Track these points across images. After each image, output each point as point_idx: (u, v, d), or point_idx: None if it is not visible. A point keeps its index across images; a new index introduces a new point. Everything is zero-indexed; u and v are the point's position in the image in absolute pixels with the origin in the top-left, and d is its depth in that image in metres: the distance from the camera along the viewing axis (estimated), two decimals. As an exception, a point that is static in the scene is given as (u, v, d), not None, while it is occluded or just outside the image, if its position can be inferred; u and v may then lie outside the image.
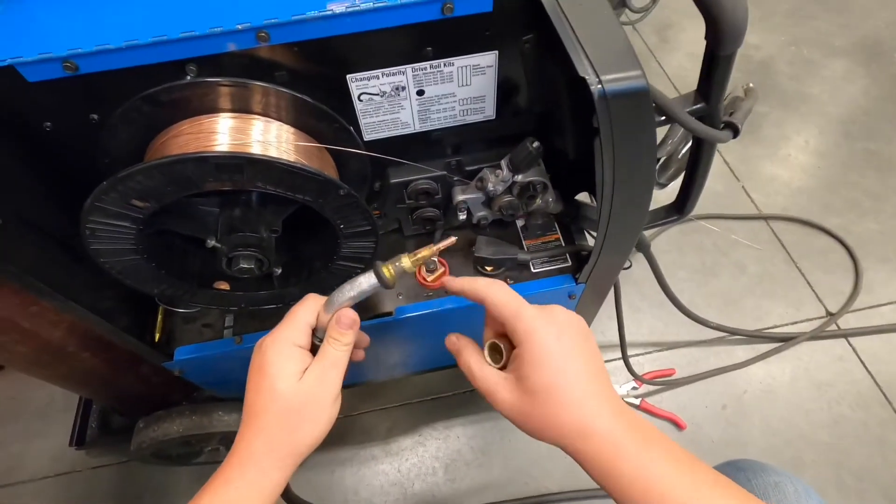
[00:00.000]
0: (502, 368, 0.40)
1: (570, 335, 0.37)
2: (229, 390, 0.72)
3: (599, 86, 0.36)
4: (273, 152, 0.47)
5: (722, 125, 0.43)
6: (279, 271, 0.54)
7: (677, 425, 0.90)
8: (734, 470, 0.50)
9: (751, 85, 0.50)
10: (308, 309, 0.42)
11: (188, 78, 0.43)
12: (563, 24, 0.40)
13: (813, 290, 1.06)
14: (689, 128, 0.40)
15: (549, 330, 0.37)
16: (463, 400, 0.95)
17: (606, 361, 0.98)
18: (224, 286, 0.56)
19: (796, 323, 1.02)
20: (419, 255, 0.43)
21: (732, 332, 0.99)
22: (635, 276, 1.05)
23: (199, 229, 0.48)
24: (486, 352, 0.41)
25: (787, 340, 0.98)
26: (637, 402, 0.93)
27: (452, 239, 0.43)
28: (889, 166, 1.23)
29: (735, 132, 0.42)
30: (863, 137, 1.28)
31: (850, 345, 0.99)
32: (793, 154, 1.27)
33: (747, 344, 1.00)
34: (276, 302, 0.58)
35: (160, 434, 0.68)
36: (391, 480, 0.87)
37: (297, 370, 0.40)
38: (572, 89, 0.41)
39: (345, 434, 0.91)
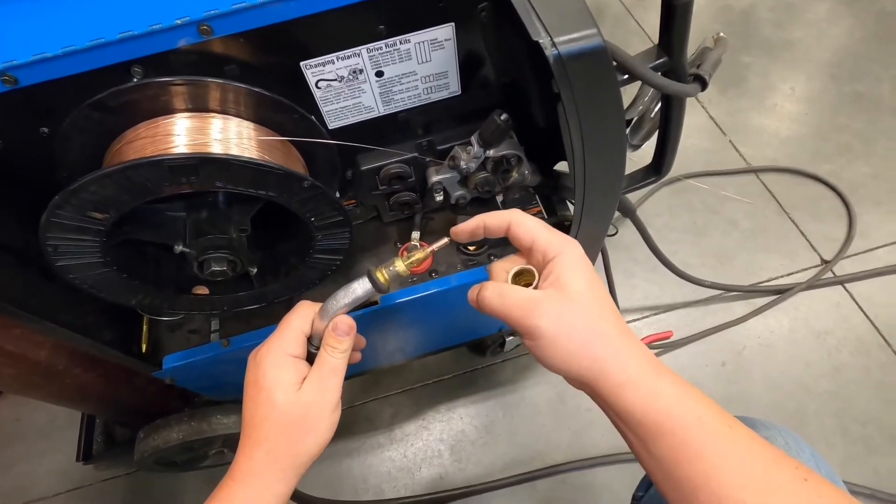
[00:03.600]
0: None
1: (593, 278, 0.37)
2: (225, 393, 0.72)
3: (554, 49, 0.35)
4: (234, 150, 0.45)
5: (690, 78, 0.41)
6: (255, 270, 0.53)
7: (679, 386, 0.90)
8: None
9: (721, 34, 0.48)
10: (302, 317, 0.42)
11: (134, 80, 0.42)
12: (514, -13, 0.38)
13: (807, 240, 1.05)
14: (653, 84, 0.39)
15: (577, 248, 0.37)
16: (464, 380, 0.95)
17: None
18: (203, 290, 0.55)
19: (792, 274, 1.01)
20: (413, 258, 0.42)
21: (728, 289, 0.99)
22: (626, 242, 1.04)
23: (166, 235, 0.47)
24: (511, 276, 0.39)
25: (784, 292, 0.98)
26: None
27: (446, 240, 0.42)
28: (878, 107, 1.20)
29: (703, 84, 0.41)
30: (850, 79, 1.26)
31: (847, 291, 0.99)
32: (779, 103, 1.25)
33: (743, 300, 0.99)
34: (258, 302, 0.57)
35: (161, 442, 0.68)
36: (398, 466, 0.88)
37: (295, 380, 0.39)
38: (531, 55, 0.39)
39: (349, 425, 0.92)
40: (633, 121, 0.54)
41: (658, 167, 0.53)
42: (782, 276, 1.01)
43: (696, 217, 1.10)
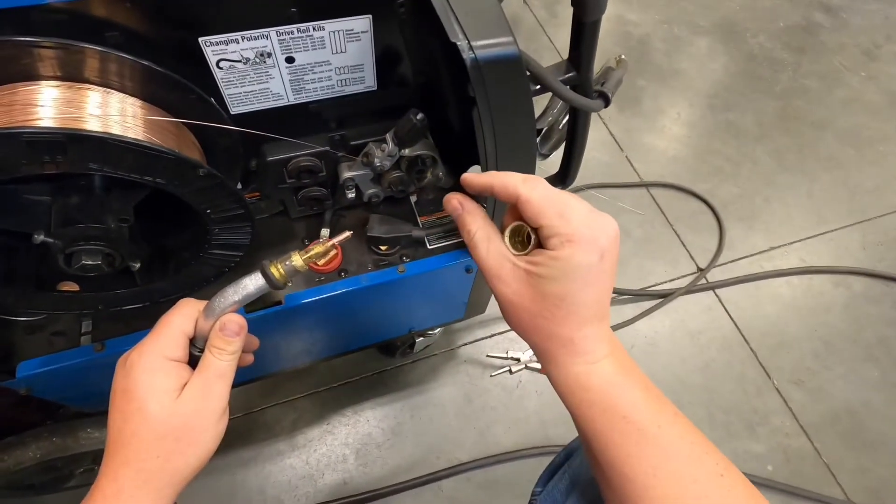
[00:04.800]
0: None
1: (611, 257, 0.34)
2: (98, 404, 0.63)
3: (471, 52, 0.35)
4: (116, 129, 0.40)
5: (595, 94, 0.44)
6: (138, 266, 0.47)
7: (576, 383, 0.96)
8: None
9: (622, 56, 0.52)
10: (184, 316, 0.37)
11: (-13, 36, 0.35)
12: (434, -13, 0.38)
13: (686, 249, 1.18)
14: (562, 96, 0.41)
15: (596, 246, 0.33)
16: (372, 382, 0.93)
17: (507, 331, 1.02)
18: (72, 287, 0.48)
19: (673, 280, 1.13)
20: (312, 253, 0.39)
21: (620, 292, 1.07)
22: (533, 246, 1.09)
23: (23, 222, 0.40)
24: (506, 233, 0.37)
25: (666, 296, 1.08)
26: (538, 365, 0.97)
27: (348, 233, 0.40)
28: (744, 135, 1.38)
29: (606, 101, 0.44)
30: (723, 109, 1.43)
31: (717, 295, 1.12)
32: (667, 125, 1.38)
33: (633, 302, 1.08)
34: (140, 300, 0.51)
35: (11, 464, 0.58)
36: (300, 474, 0.84)
37: (173, 387, 0.35)
38: (448, 57, 0.39)
39: (245, 433, 0.86)
40: (543, 131, 0.56)
41: (564, 176, 0.56)
42: (666, 282, 1.12)
43: (595, 225, 1.18)
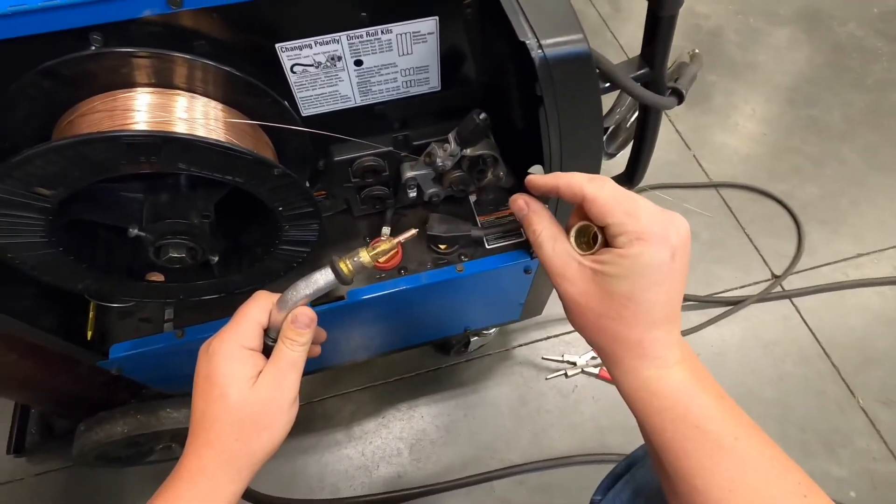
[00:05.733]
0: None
1: (683, 256, 0.33)
2: (177, 386, 0.68)
3: (540, 50, 0.34)
4: (201, 131, 0.43)
5: (668, 91, 0.42)
6: (216, 259, 0.50)
7: (635, 391, 0.93)
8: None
9: (696, 51, 0.49)
10: (259, 308, 0.39)
11: (93, 48, 0.39)
12: (503, -14, 0.38)
13: (760, 254, 1.10)
14: (634, 94, 0.39)
15: (670, 242, 0.33)
16: (426, 379, 0.94)
17: (564, 334, 0.99)
18: (158, 277, 0.52)
19: (745, 286, 1.06)
20: (379, 249, 0.40)
21: (686, 298, 1.02)
22: (592, 248, 1.06)
23: (120, 218, 0.44)
24: (572, 232, 0.36)
25: (737, 304, 1.02)
26: (596, 370, 0.95)
27: (414, 231, 0.41)
28: (828, 132, 1.27)
29: (680, 98, 0.42)
30: (805, 104, 1.33)
31: (794, 305, 1.04)
32: (741, 122, 1.30)
33: (700, 309, 1.03)
34: (217, 291, 0.55)
35: (103, 437, 0.64)
36: (356, 465, 0.86)
37: (250, 375, 0.37)
38: (515, 56, 0.39)
39: (306, 421, 0.90)
40: (610, 129, 0.54)
41: (631, 176, 0.54)
42: (736, 289, 1.06)
43: (659, 227, 1.13)
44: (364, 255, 0.39)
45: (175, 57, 0.41)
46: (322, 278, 0.39)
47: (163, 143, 0.37)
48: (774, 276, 1.07)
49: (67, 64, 0.38)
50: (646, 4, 0.36)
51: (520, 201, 0.39)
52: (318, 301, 0.57)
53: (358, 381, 0.93)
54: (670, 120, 1.29)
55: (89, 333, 0.57)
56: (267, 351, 0.39)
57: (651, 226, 0.33)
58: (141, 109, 0.43)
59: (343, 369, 0.93)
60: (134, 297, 0.51)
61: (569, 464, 0.86)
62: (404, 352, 0.87)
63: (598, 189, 0.34)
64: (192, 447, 0.36)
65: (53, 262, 0.44)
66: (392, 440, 0.88)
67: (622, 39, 1.43)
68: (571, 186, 0.35)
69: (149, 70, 0.42)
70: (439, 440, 0.89)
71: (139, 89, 0.43)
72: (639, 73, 0.39)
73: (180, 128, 0.42)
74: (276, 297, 0.40)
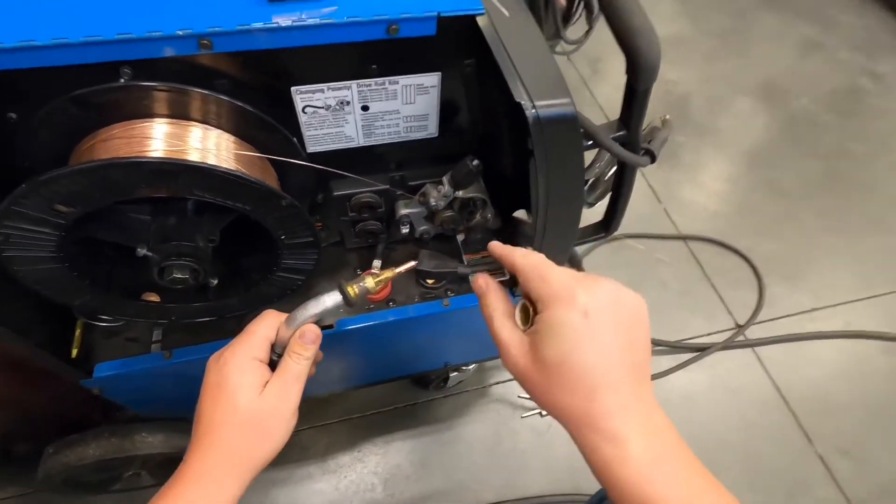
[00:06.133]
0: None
1: (603, 314, 0.33)
2: (156, 409, 0.68)
3: (534, 111, 0.39)
4: (212, 160, 0.46)
5: (642, 151, 0.47)
6: (215, 282, 0.52)
7: (607, 432, 0.95)
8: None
9: (667, 117, 0.56)
10: (267, 325, 0.42)
11: (122, 81, 0.42)
12: (501, 53, 0.43)
13: (724, 304, 1.16)
14: (613, 152, 0.44)
15: (578, 302, 0.33)
16: (403, 413, 0.95)
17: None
18: (153, 298, 0.53)
19: (711, 334, 1.11)
20: (382, 277, 0.44)
21: (656, 342, 1.07)
22: (569, 291, 1.10)
23: (128, 237, 0.46)
24: (517, 309, 0.38)
25: (703, 350, 1.07)
26: (570, 411, 0.97)
27: (413, 263, 0.45)
28: (787, 194, 1.38)
29: (652, 158, 0.47)
30: (765, 168, 1.44)
31: (756, 353, 1.09)
32: (707, 181, 1.40)
33: (669, 354, 1.07)
34: (211, 314, 0.56)
35: (73, 459, 0.63)
36: (328, 499, 0.85)
37: (258, 384, 0.39)
38: (509, 113, 0.44)
39: (280, 452, 0.88)
40: (590, 181, 0.60)
41: (608, 225, 0.59)
42: (703, 336, 1.11)
43: (633, 273, 1.19)
44: (369, 281, 0.43)
45: (197, 93, 0.45)
46: (330, 299, 0.42)
47: (183, 171, 0.39)
48: (738, 326, 1.13)
49: (98, 93, 0.41)
50: (621, 68, 0.41)
51: (480, 280, 0.41)
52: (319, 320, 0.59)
53: (335, 414, 0.93)
54: (644, 175, 1.38)
55: (74, 351, 0.57)
56: (272, 365, 0.42)
57: (559, 288, 0.34)
58: (158, 138, 0.45)
59: (321, 401, 0.93)
60: (129, 315, 0.52)
61: (542, 503, 0.87)
62: (383, 385, 0.88)
63: (523, 259, 0.37)
64: (198, 450, 0.38)
65: (58, 277, 0.45)
66: (367, 474, 0.88)
67: (600, 98, 1.54)
68: (506, 257, 0.39)
69: (169, 102, 0.45)
70: (413, 475, 0.88)
71: (157, 119, 0.46)
72: (617, 134, 0.44)
73: (193, 156, 0.45)
74: (283, 316, 0.43)
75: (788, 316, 1.15)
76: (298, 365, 0.40)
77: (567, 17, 1.06)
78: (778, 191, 1.38)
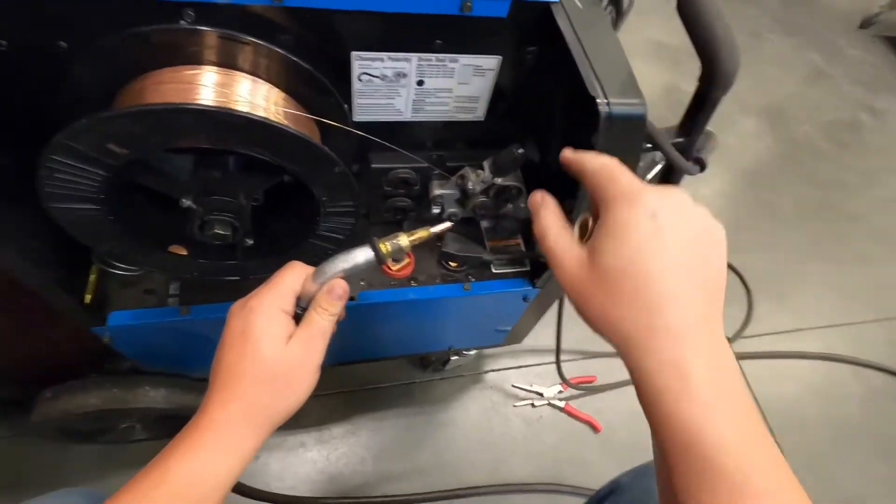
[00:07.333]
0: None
1: (675, 219, 0.30)
2: (160, 363, 0.66)
3: (607, 107, 0.39)
4: (261, 114, 0.45)
5: (692, 160, 0.48)
6: (250, 243, 0.51)
7: (594, 427, 0.98)
8: (650, 471, 0.55)
9: (711, 130, 0.56)
10: (295, 276, 0.40)
11: (183, 23, 0.40)
12: (575, 45, 0.42)
13: (714, 316, 1.20)
14: (671, 157, 0.45)
15: (646, 201, 0.30)
16: (400, 392, 0.95)
17: (535, 365, 1.04)
18: (181, 251, 0.52)
19: (699, 343, 1.15)
20: (416, 235, 0.42)
21: (647, 347, 1.10)
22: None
23: (171, 187, 0.44)
24: (576, 226, 0.36)
25: (691, 358, 1.10)
26: (562, 404, 0.99)
27: (449, 224, 0.43)
28: (781, 216, 1.42)
29: (702, 167, 0.48)
30: (763, 188, 1.48)
31: (740, 367, 1.14)
32: (709, 196, 1.43)
33: (658, 359, 1.10)
34: (235, 274, 0.55)
35: (73, 406, 0.61)
36: (319, 468, 0.85)
37: (283, 335, 0.38)
38: (573, 106, 0.44)
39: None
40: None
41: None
42: (691, 344, 1.14)
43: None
44: (403, 239, 0.41)
45: (258, 44, 0.43)
46: (361, 255, 0.41)
47: (248, 125, 0.38)
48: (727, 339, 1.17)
49: (160, 33, 0.39)
50: (646, 71, 0.41)
51: (537, 195, 0.38)
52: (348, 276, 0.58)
53: (332, 385, 0.93)
54: (649, 181, 1.40)
55: (88, 297, 0.56)
56: (296, 319, 0.40)
57: (627, 187, 0.30)
58: (207, 85, 0.44)
59: (322, 371, 0.93)
60: (153, 266, 0.51)
61: (525, 491, 0.89)
62: (382, 361, 0.88)
63: (593, 160, 0.33)
64: (217, 399, 0.36)
65: (91, 219, 0.43)
66: (359, 448, 0.88)
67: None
68: (576, 162, 0.35)
69: (226, 51, 0.43)
70: (404, 454, 0.89)
71: (206, 67, 0.44)
72: (676, 140, 0.45)
73: (242, 107, 0.44)
74: (310, 269, 0.41)
75: (773, 333, 1.19)
76: (324, 320, 0.39)
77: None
78: (772, 212, 1.43)
